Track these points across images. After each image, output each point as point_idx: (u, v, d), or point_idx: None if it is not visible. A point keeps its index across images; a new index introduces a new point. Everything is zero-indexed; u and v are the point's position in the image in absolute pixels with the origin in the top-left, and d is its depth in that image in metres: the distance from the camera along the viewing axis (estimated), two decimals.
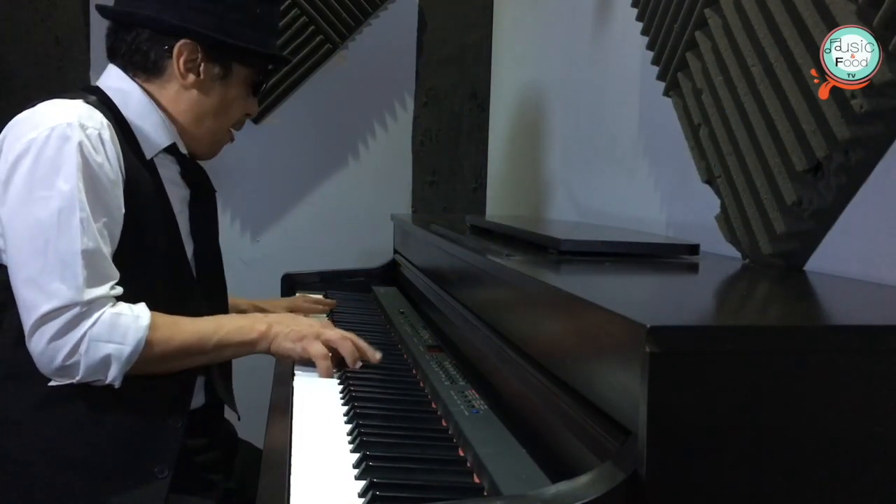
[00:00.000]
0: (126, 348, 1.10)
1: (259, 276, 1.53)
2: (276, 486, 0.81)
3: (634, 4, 1.60)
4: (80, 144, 1.11)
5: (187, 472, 1.23)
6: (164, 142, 1.26)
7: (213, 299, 1.34)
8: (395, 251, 2.20)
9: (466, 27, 2.75)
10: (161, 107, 1.27)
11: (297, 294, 1.92)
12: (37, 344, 1.09)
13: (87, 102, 1.18)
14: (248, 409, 1.46)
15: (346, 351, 1.24)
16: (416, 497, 0.79)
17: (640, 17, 1.58)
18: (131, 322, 1.12)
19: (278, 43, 1.48)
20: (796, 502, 0.65)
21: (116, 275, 1.14)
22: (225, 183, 1.49)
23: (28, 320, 1.09)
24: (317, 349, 1.22)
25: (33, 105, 1.16)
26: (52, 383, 1.12)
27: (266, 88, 2.50)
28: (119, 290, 1.14)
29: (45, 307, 1.08)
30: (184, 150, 1.31)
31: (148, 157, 1.24)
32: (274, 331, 1.23)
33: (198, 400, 1.32)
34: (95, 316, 1.09)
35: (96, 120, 1.15)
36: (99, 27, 2.36)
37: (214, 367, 1.31)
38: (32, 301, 1.09)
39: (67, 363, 1.09)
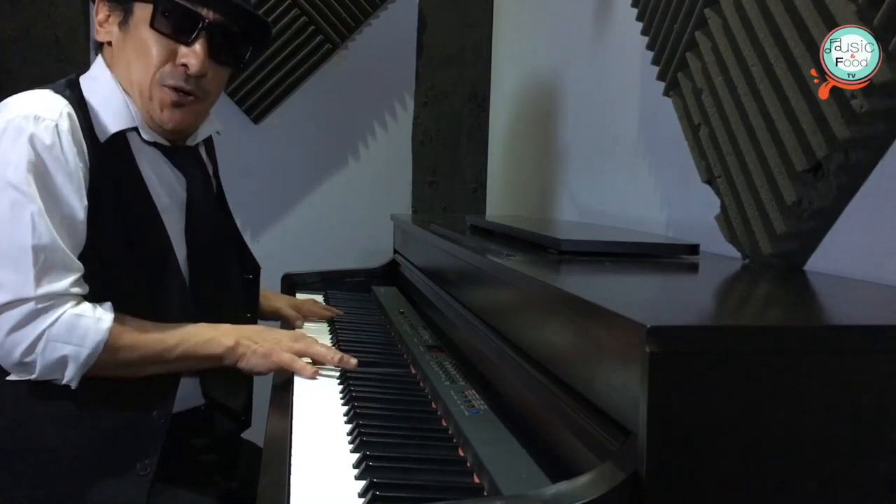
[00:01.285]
0: (84, 350, 1.11)
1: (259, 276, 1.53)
2: (276, 486, 0.81)
3: (634, 4, 1.60)
4: (33, 137, 1.10)
5: (185, 470, 1.23)
6: (121, 124, 1.23)
7: (210, 298, 1.31)
8: (395, 251, 2.20)
9: (466, 27, 2.75)
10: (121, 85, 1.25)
11: (298, 295, 1.92)
12: None
13: (56, 91, 1.18)
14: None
15: (320, 353, 1.23)
16: (416, 497, 0.79)
17: (640, 17, 1.58)
18: (91, 324, 1.11)
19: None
20: (796, 502, 0.65)
21: (78, 269, 1.13)
22: (225, 183, 1.48)
23: None
24: (285, 357, 1.21)
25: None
26: (10, 377, 1.13)
27: (257, 79, 2.54)
28: (83, 288, 1.13)
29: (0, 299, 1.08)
30: (147, 136, 1.26)
31: (101, 139, 1.20)
32: (241, 349, 1.22)
33: (195, 400, 1.32)
34: (55, 315, 1.10)
35: (55, 110, 1.14)
36: None
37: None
38: None
39: (25, 360, 1.10)
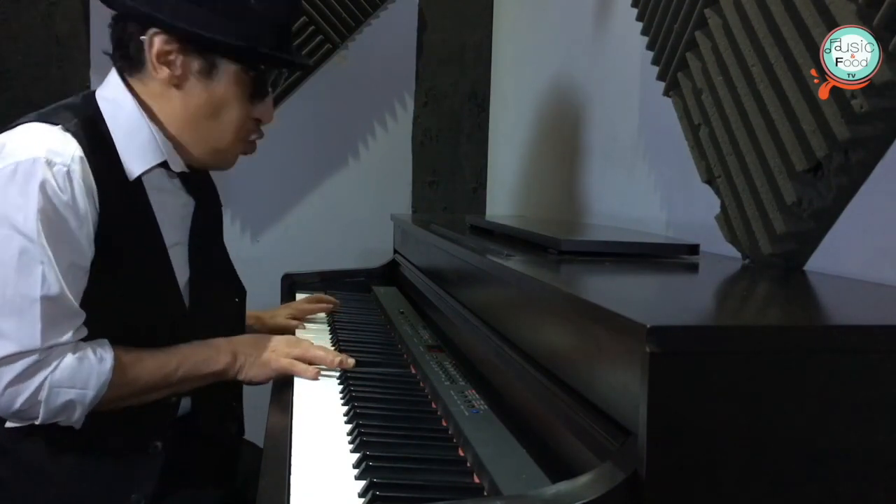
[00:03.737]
0: (89, 393, 1.09)
1: (259, 276, 1.52)
2: (276, 487, 0.82)
3: (634, 4, 1.60)
4: (44, 184, 1.06)
5: (184, 475, 1.23)
6: (151, 161, 1.18)
7: (209, 331, 1.27)
8: (395, 251, 2.20)
9: (466, 27, 2.75)
10: (153, 116, 1.19)
11: (297, 295, 1.92)
12: None
13: (67, 127, 1.11)
14: (249, 409, 1.46)
15: (318, 357, 1.23)
16: (416, 497, 0.79)
17: (640, 17, 1.58)
18: (94, 366, 1.09)
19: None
20: (796, 503, 0.65)
21: (81, 316, 1.11)
22: (225, 183, 1.48)
23: None
24: (284, 362, 1.21)
25: (14, 126, 1.13)
26: (9, 425, 1.11)
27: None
28: (83, 332, 1.12)
29: (1, 352, 1.05)
30: (177, 168, 1.23)
31: (132, 178, 1.17)
32: (239, 362, 1.22)
33: (184, 406, 1.31)
34: (55, 363, 1.07)
35: (67, 154, 1.08)
36: (99, 27, 2.37)
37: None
38: None
39: (26, 408, 1.08)
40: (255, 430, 1.39)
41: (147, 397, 1.17)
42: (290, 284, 2.00)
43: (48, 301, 1.06)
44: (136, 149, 1.17)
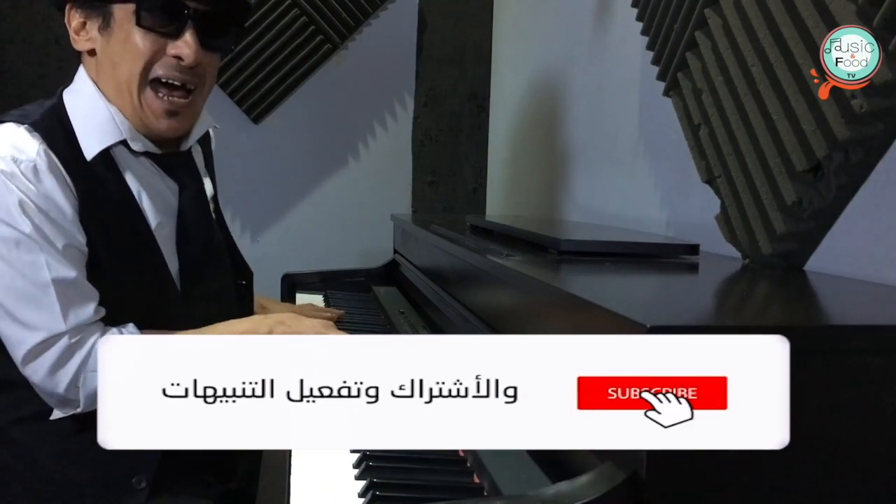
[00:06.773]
0: None
1: (259, 276, 1.52)
2: (276, 487, 0.82)
3: (634, 4, 1.60)
4: (13, 177, 1.09)
5: (182, 474, 1.22)
6: (107, 140, 1.19)
7: (204, 308, 1.27)
8: (395, 251, 2.20)
9: (466, 27, 2.75)
10: (104, 95, 1.21)
11: (298, 295, 1.92)
12: (34, 376, 1.09)
13: (31, 124, 1.14)
14: None
15: None
16: (416, 497, 0.79)
17: (640, 17, 1.58)
18: None
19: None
20: (796, 502, 0.65)
21: (95, 294, 1.13)
22: (225, 183, 1.48)
23: (17, 355, 1.08)
24: None
25: None
26: (55, 416, 1.12)
27: (259, 82, 2.54)
28: (102, 311, 1.13)
29: (32, 341, 1.07)
30: (138, 147, 1.22)
31: (89, 157, 1.17)
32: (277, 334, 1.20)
33: None
34: (88, 345, 1.09)
35: (31, 150, 1.11)
36: None
37: None
38: (16, 336, 1.08)
39: (70, 396, 1.09)
40: None
41: None
42: (291, 284, 1.99)
43: (60, 283, 1.08)
44: (94, 130, 1.19)
